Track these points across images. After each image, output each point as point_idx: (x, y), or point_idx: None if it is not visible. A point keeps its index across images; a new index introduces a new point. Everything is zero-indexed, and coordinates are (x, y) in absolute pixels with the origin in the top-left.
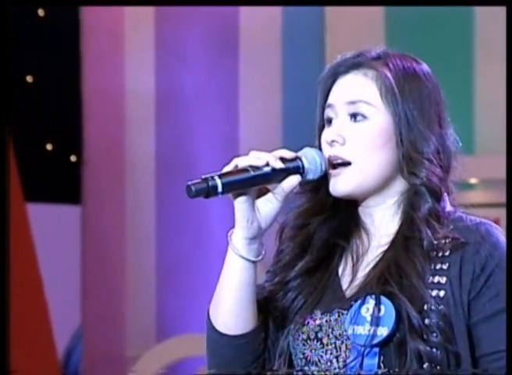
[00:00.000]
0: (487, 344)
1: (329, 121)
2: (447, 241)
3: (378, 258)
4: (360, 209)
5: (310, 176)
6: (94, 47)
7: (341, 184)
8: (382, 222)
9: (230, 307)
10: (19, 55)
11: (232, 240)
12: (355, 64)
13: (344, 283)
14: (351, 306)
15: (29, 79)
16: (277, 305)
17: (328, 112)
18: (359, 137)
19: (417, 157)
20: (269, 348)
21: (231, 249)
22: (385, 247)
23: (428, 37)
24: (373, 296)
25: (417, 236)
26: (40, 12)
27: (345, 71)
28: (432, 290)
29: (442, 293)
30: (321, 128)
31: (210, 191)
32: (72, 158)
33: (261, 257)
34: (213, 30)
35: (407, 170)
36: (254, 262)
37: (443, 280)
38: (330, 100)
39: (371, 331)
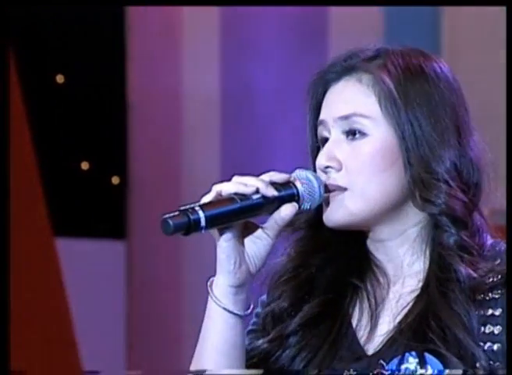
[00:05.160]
0: None
1: (325, 141)
2: (494, 276)
3: (408, 307)
4: (371, 243)
5: (306, 206)
6: (142, 37)
7: (335, 213)
8: (403, 260)
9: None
10: (47, 51)
11: (213, 289)
12: (347, 68)
13: (361, 335)
14: (381, 366)
15: (59, 79)
16: (273, 365)
17: (322, 131)
18: (357, 160)
19: (431, 180)
20: None
21: (212, 301)
22: (415, 292)
23: None
24: (414, 353)
25: (453, 277)
26: None
27: (336, 78)
28: (485, 343)
29: (495, 346)
30: (317, 150)
31: (191, 226)
32: (114, 180)
33: (250, 310)
34: (293, 15)
35: (421, 197)
36: (241, 317)
37: (497, 329)
38: (322, 115)
39: None
